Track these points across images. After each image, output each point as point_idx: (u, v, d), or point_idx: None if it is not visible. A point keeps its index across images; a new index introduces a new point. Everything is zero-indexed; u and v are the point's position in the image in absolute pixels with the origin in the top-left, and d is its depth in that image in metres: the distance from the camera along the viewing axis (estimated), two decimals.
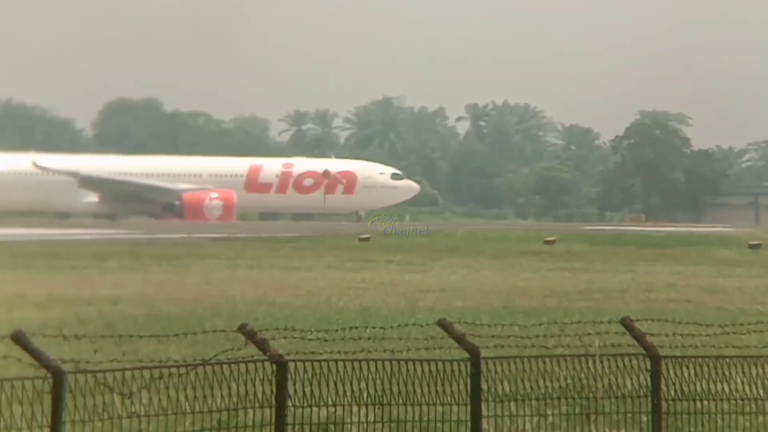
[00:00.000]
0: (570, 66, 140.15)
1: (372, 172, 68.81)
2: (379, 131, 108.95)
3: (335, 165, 69.35)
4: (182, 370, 7.76)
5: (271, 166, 68.15)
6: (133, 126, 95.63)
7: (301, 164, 69.11)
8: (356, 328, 8.94)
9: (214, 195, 65.37)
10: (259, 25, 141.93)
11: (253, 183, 67.21)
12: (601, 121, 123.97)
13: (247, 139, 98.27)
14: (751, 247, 37.34)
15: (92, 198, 65.44)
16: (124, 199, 65.69)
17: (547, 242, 38.51)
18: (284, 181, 67.40)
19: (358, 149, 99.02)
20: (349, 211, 68.98)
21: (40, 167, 64.28)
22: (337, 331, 8.73)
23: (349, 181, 67.49)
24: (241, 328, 7.98)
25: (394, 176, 69.07)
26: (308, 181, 67.56)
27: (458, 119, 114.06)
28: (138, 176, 66.14)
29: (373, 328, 9.18)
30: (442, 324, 8.66)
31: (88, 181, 64.72)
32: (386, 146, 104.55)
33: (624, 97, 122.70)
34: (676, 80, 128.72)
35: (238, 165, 68.35)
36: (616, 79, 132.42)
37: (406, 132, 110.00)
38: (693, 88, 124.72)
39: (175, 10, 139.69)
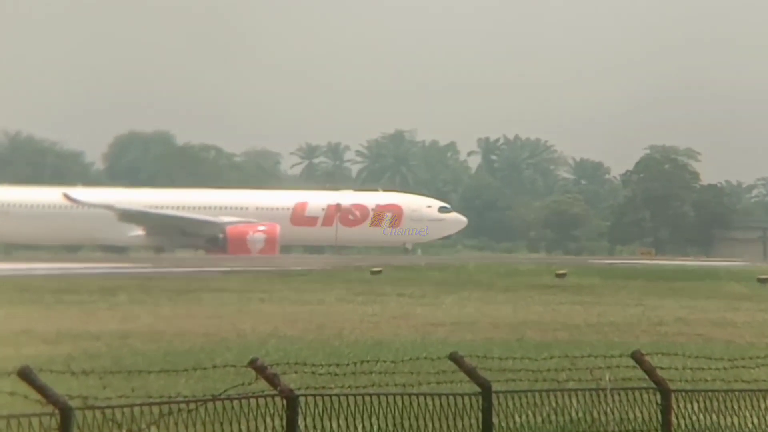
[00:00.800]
0: (581, 100, 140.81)
1: (419, 205, 68.97)
2: (390, 164, 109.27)
3: (382, 198, 69.52)
4: (192, 406, 7.74)
5: (318, 200, 68.45)
6: (144, 159, 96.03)
7: (348, 197, 69.32)
8: (367, 362, 8.93)
9: (258, 228, 65.48)
10: (271, 58, 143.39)
11: (299, 216, 67.39)
12: (611, 156, 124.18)
13: (258, 172, 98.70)
14: (761, 281, 37.13)
15: (138, 231, 65.83)
16: (167, 232, 65.98)
17: (558, 276, 38.42)
18: (330, 214, 67.51)
19: (369, 182, 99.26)
20: (396, 245, 69.01)
21: (71, 200, 64.93)
22: (348, 365, 8.72)
23: (395, 215, 67.57)
24: (252, 363, 7.97)
25: (441, 209, 69.18)
26: (353, 215, 67.68)
27: (470, 153, 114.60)
28: (183, 209, 66.49)
29: (385, 362, 9.16)
30: (454, 358, 8.65)
31: (129, 215, 65.15)
32: (398, 180, 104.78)
33: (634, 131, 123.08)
34: (685, 115, 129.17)
35: (285, 198, 68.83)
36: (627, 114, 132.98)
37: (418, 165, 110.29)
38: (702, 123, 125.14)
39: (186, 43, 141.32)
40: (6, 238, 66.18)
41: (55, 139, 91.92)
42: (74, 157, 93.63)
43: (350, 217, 67.52)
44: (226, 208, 66.92)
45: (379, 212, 67.75)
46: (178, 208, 66.59)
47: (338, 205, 67.77)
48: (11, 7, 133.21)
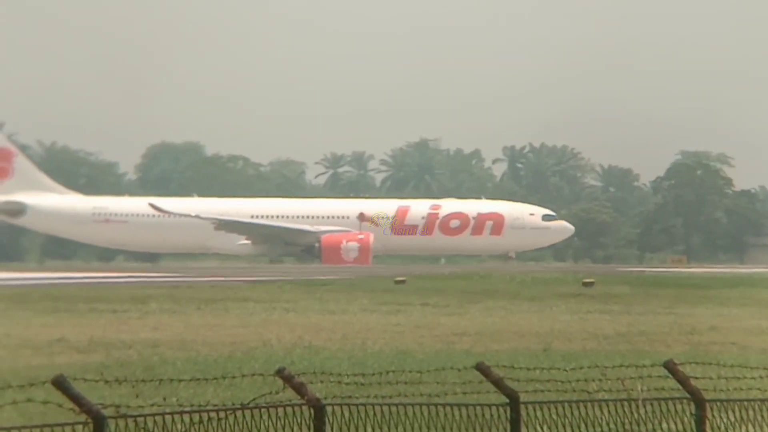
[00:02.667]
0: (608, 106, 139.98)
1: (521, 213, 67.78)
2: (415, 173, 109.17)
3: (484, 206, 69.31)
4: (222, 415, 7.77)
5: (418, 208, 68.50)
6: (175, 169, 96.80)
7: (448, 206, 69.31)
8: (392, 372, 8.89)
9: (351, 238, 65.86)
10: (296, 69, 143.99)
11: (399, 225, 67.54)
12: (641, 162, 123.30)
13: (284, 182, 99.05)
14: None
15: (244, 241, 66.54)
16: (270, 241, 66.62)
17: (585, 284, 38.09)
18: (430, 222, 67.50)
19: (394, 191, 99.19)
20: (498, 253, 68.85)
21: (157, 209, 65.89)
22: (373, 375, 8.69)
23: (496, 223, 67.28)
24: (279, 372, 7.99)
25: (545, 217, 68.43)
26: (454, 223, 67.53)
27: (495, 161, 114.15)
28: (285, 219, 67.17)
29: (410, 372, 9.12)
30: (480, 368, 8.58)
31: (225, 225, 65.85)
32: (422, 188, 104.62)
33: (663, 137, 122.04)
34: (718, 120, 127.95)
35: (386, 207, 69.05)
36: (657, 120, 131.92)
37: (442, 174, 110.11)
38: (735, 128, 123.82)
39: (213, 57, 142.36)
40: (126, 246, 68.31)
41: (90, 150, 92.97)
42: (108, 168, 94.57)
43: (451, 225, 67.19)
44: (327, 217, 67.25)
45: (480, 220, 67.29)
46: (278, 217, 67.14)
47: (361, 214, 67.83)
48: (45, 20, 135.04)
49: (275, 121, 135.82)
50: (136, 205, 67.23)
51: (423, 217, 67.31)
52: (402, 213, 67.48)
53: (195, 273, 49.38)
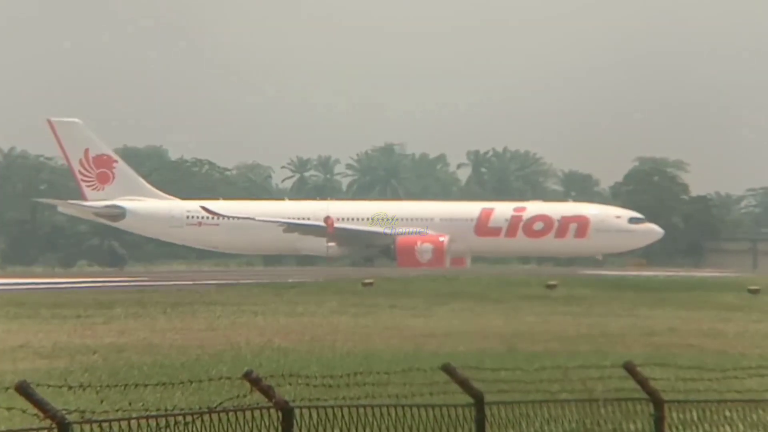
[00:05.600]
0: (569, 112, 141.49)
1: (606, 216, 66.91)
2: (380, 177, 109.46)
3: (568, 209, 69.17)
4: (188, 419, 7.80)
5: (502, 210, 67.53)
6: (139, 174, 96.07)
7: (532, 208, 67.98)
8: (361, 373, 9.00)
9: (426, 239, 65.80)
10: (260, 73, 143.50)
11: (483, 227, 66.80)
12: (600, 168, 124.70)
13: (250, 186, 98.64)
14: (751, 291, 37.02)
15: (332, 243, 66.89)
16: (354, 243, 66.92)
17: (548, 286, 38.48)
18: (514, 225, 66.59)
19: (359, 195, 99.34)
20: (582, 256, 68.56)
21: (209, 212, 66.59)
22: (341, 376, 8.79)
23: (580, 225, 66.89)
24: (247, 375, 8.04)
25: (631, 220, 66.50)
26: (538, 225, 67.07)
27: (459, 166, 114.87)
28: (366, 221, 67.54)
29: (378, 373, 9.24)
30: (447, 369, 8.73)
31: (293, 228, 66.33)
32: (388, 192, 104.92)
33: (623, 143, 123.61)
34: (674, 126, 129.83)
35: (469, 209, 68.93)
36: (616, 126, 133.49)
37: (408, 178, 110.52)
38: (691, 135, 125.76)
39: (176, 58, 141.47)
40: (217, 247, 68.63)
41: (49, 155, 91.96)
42: (69, 173, 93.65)
43: (534, 228, 66.92)
44: (411, 219, 67.29)
45: (564, 223, 66.93)
46: (362, 220, 67.58)
47: (327, 218, 67.89)
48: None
49: (241, 125, 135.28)
50: (227, 208, 67.96)
51: (506, 220, 66.96)
52: (485, 215, 67.30)
53: (161, 277, 49.02)
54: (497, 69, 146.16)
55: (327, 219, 67.48)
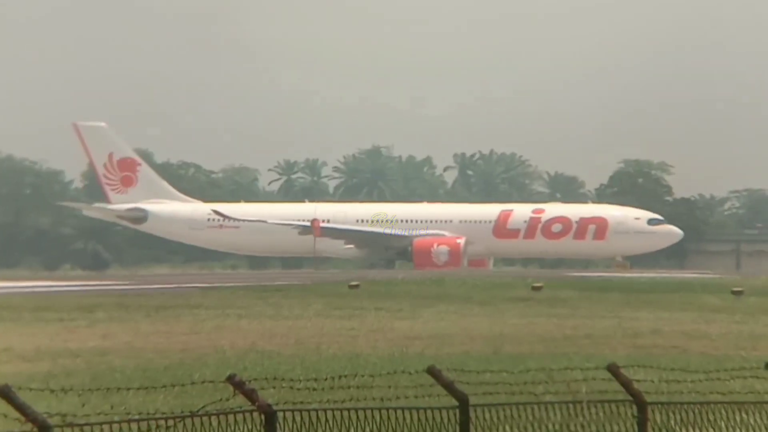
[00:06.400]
0: (555, 115, 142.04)
1: (625, 217, 66.46)
2: (368, 180, 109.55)
3: (587, 210, 68.85)
4: (170, 422, 7.76)
5: (521, 212, 67.31)
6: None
7: (551, 210, 67.91)
8: (345, 376, 8.98)
9: (442, 241, 65.89)
10: (246, 75, 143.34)
11: (501, 228, 66.60)
12: (586, 170, 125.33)
13: (237, 188, 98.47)
14: (734, 293, 37.05)
15: (350, 245, 67.09)
16: (371, 245, 67.10)
17: (534, 288, 38.60)
18: (532, 226, 66.37)
19: (347, 197, 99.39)
20: (601, 258, 68.44)
21: (220, 215, 66.87)
22: (326, 379, 8.76)
23: (599, 227, 66.69)
24: (230, 379, 8.00)
25: (651, 221, 66.24)
26: (556, 227, 66.21)
27: (446, 168, 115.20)
28: (384, 223, 67.62)
29: (362, 376, 9.22)
30: (432, 371, 8.72)
31: (307, 231, 66.50)
32: (375, 194, 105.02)
33: (609, 145, 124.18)
34: (658, 129, 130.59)
35: (488, 211, 68.07)
36: (600, 128, 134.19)
37: (395, 180, 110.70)
38: (675, 137, 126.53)
39: (162, 61, 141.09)
40: (239, 249, 69.19)
41: (34, 159, 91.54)
42: (54, 176, 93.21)
43: (553, 229, 66.78)
44: (431, 221, 67.24)
45: (583, 225, 66.74)
46: (378, 221, 67.70)
47: (314, 220, 67.94)
48: None
49: (227, 128, 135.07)
50: (247, 211, 68.25)
51: (525, 221, 66.89)
52: (504, 217, 67.26)
53: (145, 281, 48.82)
54: (483, 72, 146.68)
55: (314, 221, 67.50)
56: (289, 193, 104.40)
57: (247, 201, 77.93)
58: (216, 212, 67.11)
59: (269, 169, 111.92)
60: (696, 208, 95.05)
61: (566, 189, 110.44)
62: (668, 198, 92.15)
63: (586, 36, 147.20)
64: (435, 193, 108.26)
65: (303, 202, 75.79)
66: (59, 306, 30.40)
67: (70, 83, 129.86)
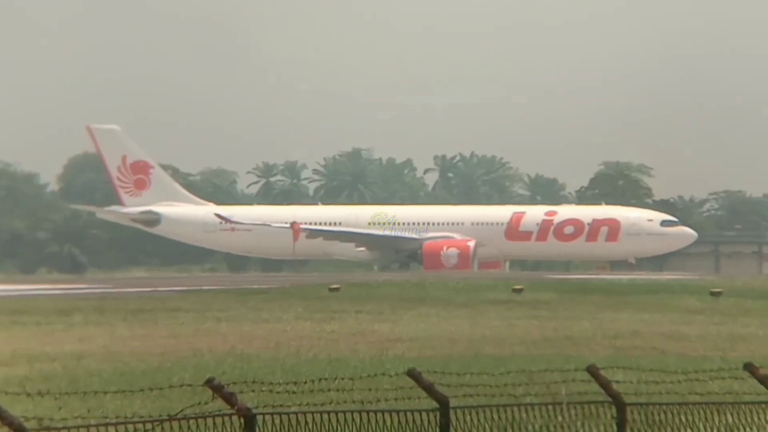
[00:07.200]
0: (535, 117, 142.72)
1: (638, 219, 66.26)
2: (348, 182, 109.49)
3: (599, 212, 68.44)
4: (148, 426, 7.69)
5: (533, 214, 67.13)
6: (99, 180, 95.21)
7: (564, 212, 67.63)
8: (325, 379, 8.95)
9: (452, 244, 65.75)
10: (225, 77, 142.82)
11: (513, 231, 66.44)
12: (566, 172, 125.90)
13: (215, 191, 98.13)
14: (713, 294, 37.34)
15: (362, 248, 66.98)
16: (382, 248, 66.96)
17: (514, 291, 38.72)
18: (545, 228, 66.17)
19: (327, 200, 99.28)
20: (613, 259, 68.04)
21: (223, 219, 66.94)
22: (305, 382, 8.72)
23: (611, 229, 66.40)
24: (209, 382, 7.95)
25: (664, 223, 65.83)
26: (569, 229, 65.97)
27: (426, 171, 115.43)
28: (401, 225, 67.38)
29: (342, 379, 9.19)
30: (412, 374, 8.70)
31: (315, 234, 66.48)
32: (355, 197, 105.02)
33: (589, 148, 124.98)
34: (638, 131, 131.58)
35: (500, 213, 67.95)
36: (581, 130, 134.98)
37: (375, 183, 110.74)
38: (654, 139, 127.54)
39: (138, 62, 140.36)
40: (251, 252, 69.27)
41: (8, 161, 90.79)
42: (28, 179, 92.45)
43: (565, 231, 66.60)
44: (443, 224, 67.10)
45: (595, 227, 66.57)
46: (389, 224, 67.59)
47: (294, 223, 67.83)
48: None
49: (204, 130, 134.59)
50: (259, 214, 68.42)
51: (537, 224, 66.76)
52: (516, 219, 67.12)
53: (122, 284, 48.50)
54: (463, 74, 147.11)
55: (293, 224, 67.41)
56: (268, 196, 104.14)
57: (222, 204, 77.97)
58: (218, 216, 67.10)
59: (248, 172, 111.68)
60: (675, 209, 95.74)
61: (546, 191, 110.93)
62: (648, 200, 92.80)
63: (566, 41, 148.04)
64: (416, 195, 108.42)
65: (316, 204, 77.06)
66: (36, 309, 30.13)
67: (46, 85, 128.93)
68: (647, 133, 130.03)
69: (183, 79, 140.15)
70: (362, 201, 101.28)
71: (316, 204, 77.73)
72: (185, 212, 68.52)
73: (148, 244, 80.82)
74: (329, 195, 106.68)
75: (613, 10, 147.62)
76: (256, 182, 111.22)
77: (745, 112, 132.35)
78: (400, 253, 67.38)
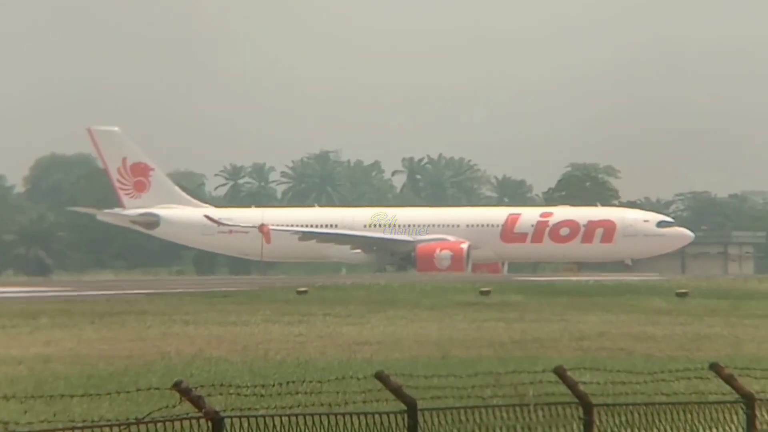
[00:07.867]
0: (502, 119, 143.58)
1: (634, 220, 66.05)
2: (316, 184, 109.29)
3: (595, 213, 68.29)
4: (115, 429, 7.64)
5: (529, 215, 67.07)
6: (66, 181, 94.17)
7: (559, 213, 67.30)
8: (293, 382, 8.93)
9: (445, 246, 65.40)
10: (193, 79, 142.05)
11: (509, 233, 66.25)
12: (533, 174, 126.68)
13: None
14: (679, 295, 37.76)
15: (357, 250, 66.53)
16: (376, 250, 66.65)
17: (482, 293, 38.86)
18: (540, 230, 65.90)
19: (295, 202, 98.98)
20: (609, 261, 67.86)
21: (213, 221, 66.77)
22: (273, 386, 8.70)
23: (607, 230, 66.16)
24: (176, 385, 7.91)
25: (660, 224, 65.89)
26: (564, 231, 65.80)
27: (394, 173, 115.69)
28: (399, 228, 67.00)
29: (311, 381, 9.18)
30: (380, 376, 8.72)
31: (308, 236, 66.25)
32: (323, 199, 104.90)
33: (556, 149, 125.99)
34: (605, 133, 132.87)
35: (495, 215, 67.88)
36: (548, 133, 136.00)
37: (343, 185, 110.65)
38: (621, 141, 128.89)
39: (108, 64, 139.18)
40: (249, 255, 68.53)
41: None
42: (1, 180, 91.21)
43: (561, 233, 66.32)
44: (439, 226, 66.70)
45: (591, 228, 66.33)
46: (383, 226, 67.31)
47: (262, 226, 67.59)
48: None
49: (172, 132, 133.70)
50: (256, 216, 68.07)
51: (532, 225, 66.59)
52: (512, 221, 66.96)
53: (89, 287, 47.98)
54: (430, 76, 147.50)
55: (261, 227, 67.17)
56: (236, 198, 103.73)
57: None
58: (208, 218, 66.98)
59: (216, 174, 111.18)
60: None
61: (514, 193, 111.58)
62: (615, 201, 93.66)
63: (534, 45, 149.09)
64: (384, 197, 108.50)
65: (313, 206, 76.08)
66: (1, 312, 29.72)
67: (9, 86, 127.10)
68: (614, 135, 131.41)
69: (150, 82, 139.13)
70: (330, 203, 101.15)
71: (313, 206, 77.27)
72: (184, 215, 68.14)
73: (114, 247, 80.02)
74: (297, 197, 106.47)
75: (581, 13, 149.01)
76: (224, 184, 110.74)
77: (711, 114, 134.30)
78: (395, 255, 67.15)
